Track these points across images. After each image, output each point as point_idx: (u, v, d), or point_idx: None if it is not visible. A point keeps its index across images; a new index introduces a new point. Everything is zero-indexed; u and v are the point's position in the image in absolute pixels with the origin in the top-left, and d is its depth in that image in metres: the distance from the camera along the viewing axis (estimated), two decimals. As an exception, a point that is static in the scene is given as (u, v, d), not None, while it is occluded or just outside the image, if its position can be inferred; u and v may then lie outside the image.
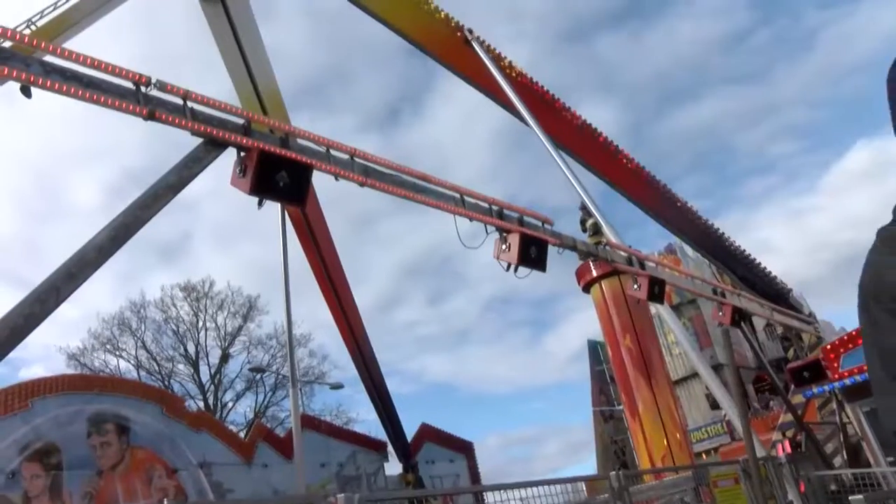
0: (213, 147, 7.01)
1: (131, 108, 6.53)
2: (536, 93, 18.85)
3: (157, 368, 39.80)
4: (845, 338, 17.72)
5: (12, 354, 5.75)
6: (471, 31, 17.72)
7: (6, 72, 5.80)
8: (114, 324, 39.41)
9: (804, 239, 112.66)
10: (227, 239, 64.93)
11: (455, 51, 17.61)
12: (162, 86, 6.77)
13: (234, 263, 62.52)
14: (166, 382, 38.97)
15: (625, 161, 20.19)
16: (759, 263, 23.73)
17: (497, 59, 18.16)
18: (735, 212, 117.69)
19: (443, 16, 17.74)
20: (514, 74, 18.44)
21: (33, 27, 16.11)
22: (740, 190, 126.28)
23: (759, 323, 33.01)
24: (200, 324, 41.05)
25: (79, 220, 54.86)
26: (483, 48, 17.59)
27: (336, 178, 7.54)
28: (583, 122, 19.89)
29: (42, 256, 50.92)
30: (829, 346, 17.82)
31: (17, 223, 55.51)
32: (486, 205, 9.13)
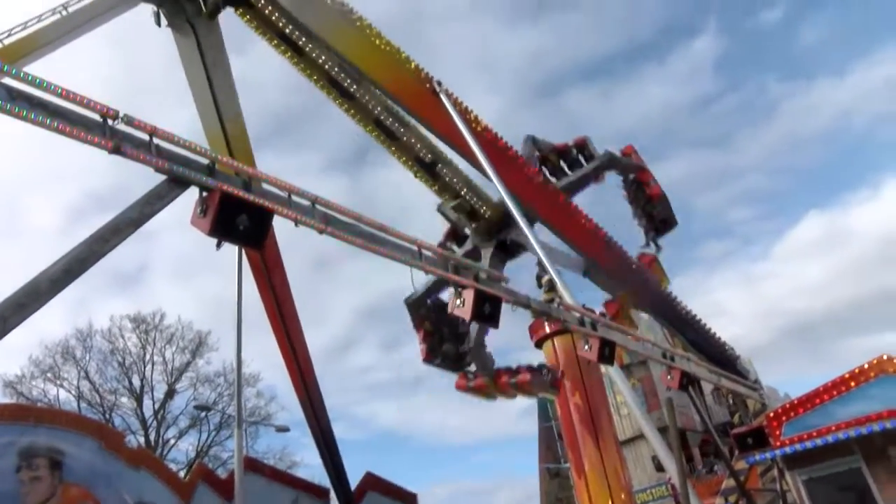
0: (175, 185, 7.04)
1: (97, 140, 6.52)
2: (500, 148, 19.20)
3: (98, 401, 38.83)
4: (787, 406, 18.13)
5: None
6: (439, 83, 18.05)
7: (-31, 95, 5.79)
8: (57, 351, 38.45)
9: (756, 304, 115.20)
10: (183, 271, 64.24)
11: (422, 101, 17.89)
12: (129, 120, 6.78)
13: (188, 296, 61.77)
14: (107, 416, 38.00)
15: (583, 221, 20.58)
16: (709, 328, 24.22)
17: (463, 112, 18.49)
18: (692, 273, 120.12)
19: (413, 66, 18.05)
20: (478, 129, 18.77)
21: (0, 45, 15.97)
22: (698, 252, 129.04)
23: (707, 386, 33.48)
24: (148, 357, 40.30)
25: (37, 241, 53.78)
26: (450, 101, 17.91)
27: (296, 224, 7.61)
28: (546, 182, 20.27)
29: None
30: (772, 414, 18.19)
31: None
32: (442, 259, 9.25)
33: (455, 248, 22.00)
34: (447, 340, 22.05)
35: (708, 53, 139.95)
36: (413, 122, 19.18)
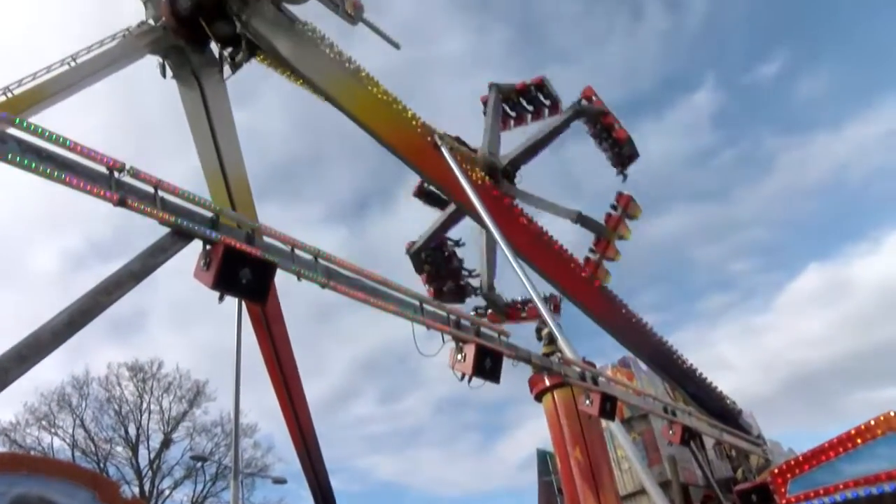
0: (179, 238, 7.09)
1: (103, 193, 6.58)
2: (497, 199, 19.35)
3: (93, 449, 38.35)
4: (793, 462, 17.82)
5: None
6: (441, 137, 18.28)
7: (-18, 148, 5.85)
8: (53, 399, 38.09)
9: (758, 356, 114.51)
10: (182, 319, 63.92)
11: (423, 154, 18.12)
12: (135, 173, 6.86)
13: (187, 344, 61.41)
14: (102, 465, 37.50)
15: (580, 272, 20.62)
16: (711, 382, 24.06)
17: (463, 163, 18.67)
18: (692, 326, 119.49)
19: (414, 121, 18.30)
20: (476, 179, 18.93)
21: (10, 94, 16.20)
22: (698, 305, 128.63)
23: (709, 440, 33.12)
24: (144, 405, 39.95)
25: (36, 288, 53.69)
26: (450, 154, 18.13)
27: (299, 279, 7.64)
28: (540, 231, 20.36)
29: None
30: (776, 470, 17.88)
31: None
32: (443, 313, 9.26)
33: None
34: (447, 278, 26.70)
35: (706, 107, 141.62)
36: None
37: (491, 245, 24.66)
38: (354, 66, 17.81)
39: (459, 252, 27.62)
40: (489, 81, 27.69)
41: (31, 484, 17.58)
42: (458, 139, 25.36)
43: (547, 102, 28.45)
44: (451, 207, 24.71)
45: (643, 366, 34.83)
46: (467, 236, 27.57)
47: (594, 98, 27.06)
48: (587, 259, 26.10)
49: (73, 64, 16.98)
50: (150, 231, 7.21)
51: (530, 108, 28.47)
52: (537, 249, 19.44)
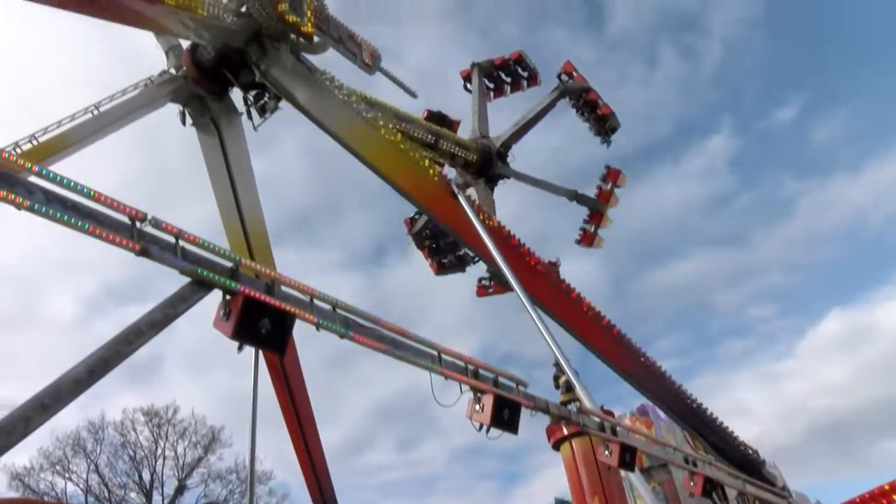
0: (199, 288, 7.12)
1: (125, 242, 6.65)
2: (514, 248, 19.34)
3: (107, 495, 38.14)
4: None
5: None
6: (458, 186, 18.40)
7: (10, 197, 5.92)
8: (68, 444, 38.09)
9: (779, 403, 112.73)
10: (199, 365, 63.91)
11: (441, 202, 18.20)
12: (156, 223, 6.93)
13: (203, 389, 61.40)
14: (115, 512, 37.17)
15: (600, 320, 20.45)
16: (731, 431, 23.60)
17: (479, 211, 18.73)
18: (711, 372, 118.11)
19: (430, 169, 18.43)
20: (492, 225, 18.96)
21: (35, 142, 16.54)
22: (718, 350, 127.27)
23: (731, 492, 32.44)
24: (159, 451, 39.86)
25: (53, 331, 54.00)
26: (468, 202, 18.20)
27: (317, 329, 7.64)
28: (557, 279, 20.29)
29: (9, 363, 49.66)
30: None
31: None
32: (462, 363, 9.20)
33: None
34: (447, 251, 28.23)
35: (723, 152, 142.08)
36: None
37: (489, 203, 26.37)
38: (372, 115, 18.02)
39: None
40: (472, 61, 29.83)
41: (43, 532, 17.59)
42: (440, 114, 28.62)
43: (525, 74, 30.74)
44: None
45: (662, 414, 34.43)
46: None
47: (574, 73, 29.30)
48: (583, 231, 30.19)
49: (96, 112, 17.37)
50: (165, 273, 7.25)
51: (508, 80, 30.83)
52: (554, 298, 19.34)
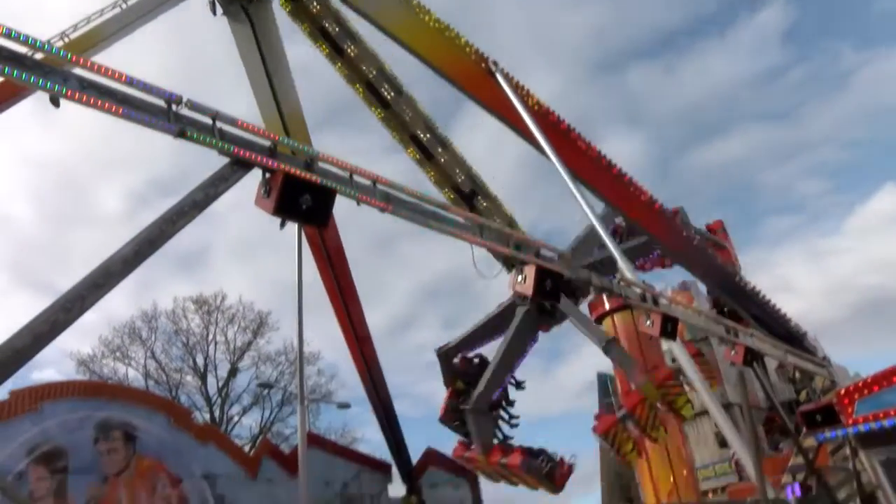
0: (239, 167, 7.16)
1: (162, 125, 6.67)
2: (555, 124, 18.95)
3: (164, 379, 39.97)
4: (860, 384, 17.53)
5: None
6: (495, 63, 17.89)
7: (46, 85, 5.95)
8: (124, 332, 39.68)
9: (825, 280, 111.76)
10: (245, 252, 65.33)
11: (478, 81, 17.77)
12: (192, 105, 6.91)
13: (250, 276, 62.98)
14: (174, 393, 39.08)
15: (639, 194, 20.22)
16: (774, 304, 23.62)
17: (519, 90, 18.29)
18: (756, 249, 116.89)
19: (468, 47, 17.92)
20: (533, 105, 18.55)
21: (66, 39, 16.46)
22: (763, 228, 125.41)
23: (770, 364, 32.75)
24: (210, 337, 41.26)
25: (104, 226, 55.42)
26: (506, 80, 17.75)
27: (358, 203, 7.68)
28: (599, 155, 19.95)
29: (66, 259, 51.32)
30: (843, 391, 17.63)
31: (44, 226, 56.33)
32: (503, 235, 9.22)
33: None
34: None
35: (775, 24, 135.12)
36: (452, 143, 19.32)
37: None
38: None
39: (513, 393, 18.89)
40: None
41: (113, 409, 18.70)
42: None
43: None
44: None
45: (704, 289, 34.49)
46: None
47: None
48: None
49: (123, 6, 17.14)
50: (207, 165, 7.30)
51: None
52: (597, 173, 19.07)
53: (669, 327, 12.01)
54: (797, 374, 30.18)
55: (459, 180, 19.12)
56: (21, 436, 16.85)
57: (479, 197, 19.28)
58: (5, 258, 59.57)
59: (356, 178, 7.85)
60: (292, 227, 20.96)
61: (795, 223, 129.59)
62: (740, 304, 22.90)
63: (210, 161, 7.21)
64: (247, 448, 30.36)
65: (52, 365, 56.06)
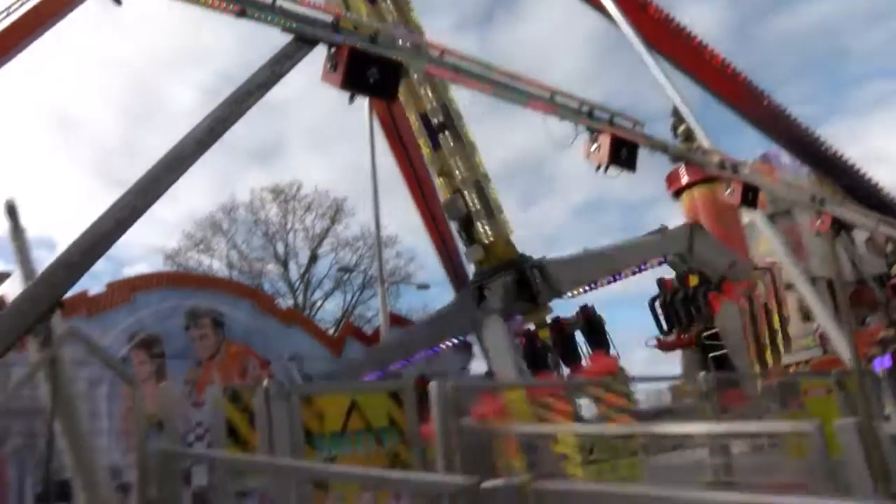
0: (303, 44, 7.03)
1: (223, 6, 6.58)
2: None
3: (247, 268, 41.14)
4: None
5: (116, 252, 6.07)
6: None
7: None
8: (206, 225, 40.82)
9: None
10: (318, 142, 65.59)
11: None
12: (251, -17, 6.76)
13: (325, 165, 63.52)
14: (256, 281, 40.31)
15: (719, 64, 19.21)
16: (865, 173, 22.54)
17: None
18: (845, 119, 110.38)
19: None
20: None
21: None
22: (852, 96, 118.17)
23: (860, 237, 31.65)
24: (289, 225, 42.04)
25: (179, 120, 56.31)
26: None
27: (426, 74, 7.49)
28: (676, 25, 18.91)
29: (146, 157, 52.62)
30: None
31: (119, 126, 57.75)
32: (576, 104, 8.90)
33: None
34: None
35: None
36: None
37: None
38: None
39: None
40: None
41: (200, 297, 19.52)
42: None
43: None
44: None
45: (787, 161, 33.19)
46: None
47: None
48: None
49: None
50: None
51: None
52: (670, 40, 18.14)
53: (750, 196, 11.58)
54: (889, 248, 29.07)
55: (429, 107, 15.56)
56: (119, 324, 17.85)
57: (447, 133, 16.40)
58: (88, 161, 61.52)
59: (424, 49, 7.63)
60: (362, 112, 20.90)
61: (890, 89, 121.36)
62: (829, 173, 21.96)
63: (275, 48, 7.10)
64: (330, 332, 31.33)
65: (140, 260, 58.78)
